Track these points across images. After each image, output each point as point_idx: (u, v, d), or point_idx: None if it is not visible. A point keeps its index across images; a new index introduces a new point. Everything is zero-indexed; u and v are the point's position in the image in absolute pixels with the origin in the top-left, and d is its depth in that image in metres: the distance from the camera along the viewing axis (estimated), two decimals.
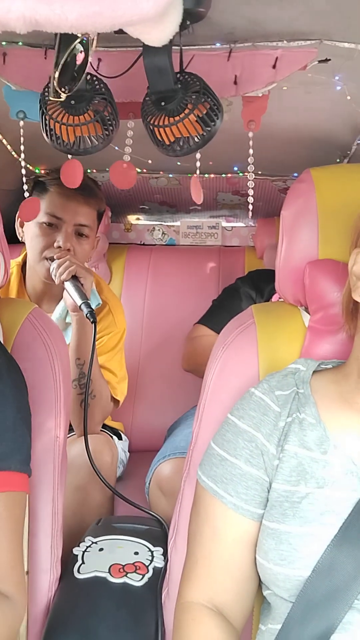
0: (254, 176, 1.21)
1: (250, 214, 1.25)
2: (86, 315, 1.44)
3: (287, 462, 0.81)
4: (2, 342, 1.02)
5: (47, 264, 1.59)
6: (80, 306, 1.45)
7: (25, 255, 1.72)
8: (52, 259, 1.57)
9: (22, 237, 1.69)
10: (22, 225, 1.68)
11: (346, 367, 0.87)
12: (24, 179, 1.33)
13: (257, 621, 0.91)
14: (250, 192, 1.21)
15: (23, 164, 1.27)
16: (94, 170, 1.99)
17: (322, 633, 0.75)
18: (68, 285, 1.49)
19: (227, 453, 0.85)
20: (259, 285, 1.93)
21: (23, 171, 1.30)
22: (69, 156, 1.15)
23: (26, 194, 1.36)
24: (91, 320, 1.44)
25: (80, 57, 0.97)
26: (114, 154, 1.24)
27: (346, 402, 0.84)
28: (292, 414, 0.84)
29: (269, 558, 0.80)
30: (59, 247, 1.58)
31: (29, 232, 1.64)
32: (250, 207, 1.25)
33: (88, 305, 1.45)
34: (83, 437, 1.50)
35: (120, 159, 1.16)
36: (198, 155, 1.12)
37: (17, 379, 0.96)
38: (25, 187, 1.39)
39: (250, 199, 1.21)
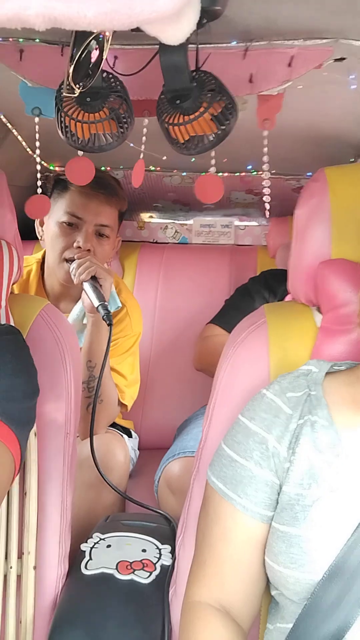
0: (269, 175, 1.21)
1: (267, 213, 1.25)
2: (103, 317, 1.42)
3: (298, 465, 0.81)
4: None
5: (66, 266, 1.57)
6: (97, 308, 1.43)
7: (45, 253, 1.71)
8: (71, 261, 1.55)
9: (41, 237, 1.67)
10: (42, 224, 1.67)
11: (359, 369, 0.87)
12: (38, 175, 1.33)
13: (264, 620, 0.91)
14: (267, 190, 1.20)
15: (38, 160, 1.28)
16: (109, 168, 1.99)
17: (334, 633, 0.74)
18: (86, 286, 1.48)
19: (237, 454, 0.85)
20: (272, 285, 1.93)
21: (38, 167, 1.30)
22: (80, 152, 1.15)
23: (39, 190, 1.35)
24: (107, 322, 1.41)
25: (95, 54, 0.97)
26: (128, 151, 1.24)
27: (358, 405, 0.83)
28: (303, 416, 0.83)
29: (279, 561, 0.79)
30: (79, 247, 1.57)
31: (49, 231, 1.63)
32: (267, 206, 1.25)
33: (105, 307, 1.43)
34: (97, 435, 1.50)
35: (134, 157, 1.16)
36: (213, 154, 1.11)
37: (22, 354, 0.95)
38: (39, 182, 1.39)
39: (267, 198, 1.21)
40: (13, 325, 1.03)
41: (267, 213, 1.24)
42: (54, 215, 1.63)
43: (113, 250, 1.71)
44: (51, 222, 1.63)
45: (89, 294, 1.47)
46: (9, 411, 0.87)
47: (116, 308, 1.63)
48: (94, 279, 1.50)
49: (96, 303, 1.44)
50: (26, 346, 0.98)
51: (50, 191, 1.67)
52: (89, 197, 1.59)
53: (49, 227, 1.64)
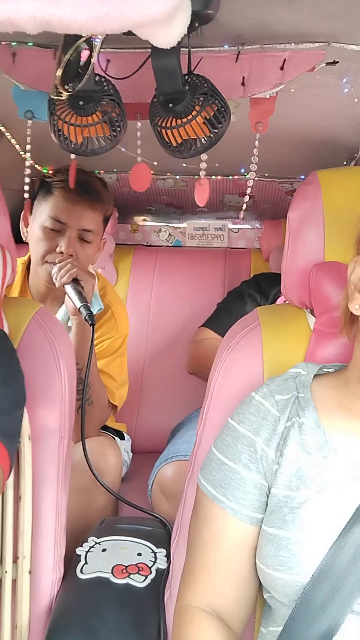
0: (254, 175, 1.21)
1: (241, 214, 1.26)
2: (85, 318, 1.42)
3: (286, 467, 0.81)
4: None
5: (48, 267, 1.57)
6: (79, 309, 1.43)
7: (30, 256, 1.70)
8: (54, 263, 1.54)
9: (25, 237, 1.67)
10: (26, 226, 1.66)
11: (347, 372, 0.87)
12: (26, 179, 1.32)
13: (258, 623, 0.91)
14: (248, 190, 1.21)
15: (28, 163, 1.27)
16: (102, 172, 1.99)
17: (322, 635, 0.75)
18: (68, 289, 1.48)
19: (226, 457, 0.85)
20: (264, 288, 1.93)
21: (27, 171, 1.29)
22: (72, 156, 1.15)
23: (26, 195, 1.34)
24: (90, 323, 1.41)
25: (84, 55, 0.97)
26: (121, 155, 1.25)
27: (346, 407, 0.83)
28: (291, 418, 0.84)
29: (268, 563, 0.79)
30: (61, 252, 1.56)
31: (33, 234, 1.62)
32: (244, 206, 1.26)
33: (87, 308, 1.43)
34: (89, 439, 1.49)
35: (127, 160, 1.17)
36: (204, 157, 1.12)
37: (9, 353, 0.95)
38: (26, 187, 1.37)
39: (247, 198, 1.21)
40: (1, 329, 1.03)
41: (242, 214, 1.25)
42: (37, 217, 1.62)
43: (98, 252, 1.69)
44: (35, 224, 1.62)
45: (71, 296, 1.47)
46: (2, 424, 0.88)
47: (99, 310, 1.62)
48: (75, 281, 1.49)
49: (78, 304, 1.44)
50: (13, 350, 0.98)
51: (35, 193, 1.66)
52: (73, 202, 1.57)
53: (33, 230, 1.63)
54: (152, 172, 1.96)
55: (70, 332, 1.56)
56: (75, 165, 1.25)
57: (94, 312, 1.48)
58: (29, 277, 1.70)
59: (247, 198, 1.20)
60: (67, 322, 1.62)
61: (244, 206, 1.24)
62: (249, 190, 1.21)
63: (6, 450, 0.88)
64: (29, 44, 1.11)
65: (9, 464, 0.90)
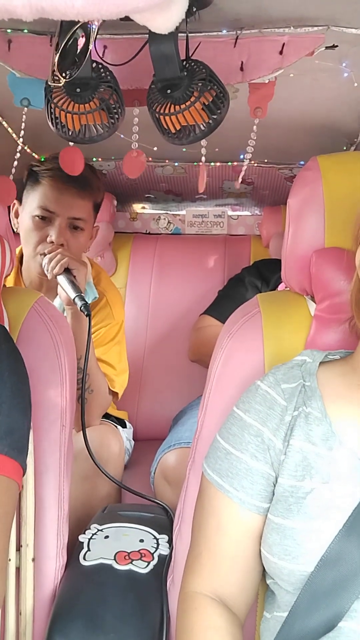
0: (248, 161, 1.21)
1: (238, 183, 1.24)
2: (80, 308, 1.40)
3: (292, 457, 0.81)
4: (8, 330, 1.02)
5: (40, 259, 1.55)
6: (74, 300, 1.41)
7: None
8: (44, 254, 1.52)
9: (16, 228, 1.64)
10: (17, 216, 1.64)
11: (353, 359, 0.87)
12: (13, 170, 1.29)
13: (261, 609, 0.91)
14: (240, 177, 1.20)
15: (19, 148, 1.26)
16: (100, 159, 1.98)
17: (328, 621, 0.75)
18: (61, 279, 1.46)
19: (232, 447, 0.85)
20: (265, 274, 1.93)
21: (17, 155, 1.27)
22: (70, 144, 1.15)
23: (11, 177, 1.30)
24: (85, 313, 1.40)
25: (81, 42, 0.96)
26: (119, 142, 1.24)
27: (352, 395, 0.83)
28: (298, 407, 0.83)
29: (273, 552, 0.80)
30: (52, 242, 1.54)
31: (23, 224, 1.61)
32: (238, 185, 1.24)
33: (82, 298, 1.41)
34: (91, 427, 1.50)
35: (125, 147, 1.16)
36: (204, 143, 1.11)
37: (17, 366, 0.95)
38: (13, 170, 1.34)
39: (238, 185, 1.21)
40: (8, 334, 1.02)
41: (238, 183, 1.24)
42: (27, 207, 1.60)
43: (90, 240, 1.68)
44: (25, 214, 1.60)
45: (64, 287, 1.45)
46: (14, 443, 0.89)
47: (94, 298, 1.61)
48: (67, 271, 1.47)
49: (72, 295, 1.42)
50: (17, 349, 0.97)
51: (24, 181, 1.64)
52: (61, 191, 1.55)
53: (23, 220, 1.61)
54: (150, 159, 1.95)
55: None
56: (73, 152, 1.24)
57: (89, 302, 1.47)
58: (22, 269, 1.68)
59: (239, 182, 1.19)
60: (63, 313, 1.61)
61: (238, 185, 1.24)
62: (242, 174, 1.20)
63: (20, 465, 0.90)
64: (25, 30, 1.10)
65: (22, 475, 0.92)
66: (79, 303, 1.41)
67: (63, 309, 1.58)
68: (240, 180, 1.22)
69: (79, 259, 1.52)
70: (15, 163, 1.27)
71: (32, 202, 1.59)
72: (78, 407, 1.45)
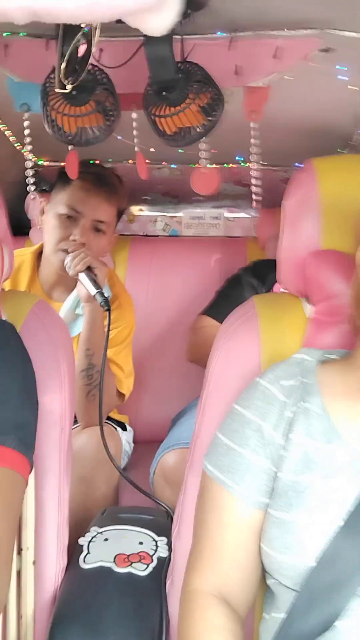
0: (256, 165, 1.21)
1: (254, 203, 1.27)
2: (100, 304, 1.47)
3: (292, 451, 0.81)
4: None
5: (61, 255, 1.60)
6: (94, 295, 1.48)
7: (42, 245, 1.74)
8: (66, 251, 1.58)
9: (40, 225, 1.71)
10: (42, 214, 1.70)
11: (352, 357, 0.87)
12: (30, 172, 1.33)
13: (260, 610, 0.91)
14: (254, 181, 1.21)
15: (28, 155, 1.27)
16: (97, 161, 1.98)
17: (326, 620, 0.75)
18: (82, 276, 1.51)
19: (233, 443, 0.85)
20: (262, 274, 1.93)
21: (29, 163, 1.30)
22: (69, 147, 1.15)
23: (31, 187, 1.34)
24: (105, 308, 1.46)
25: (82, 49, 0.97)
26: (117, 145, 1.24)
27: (352, 393, 0.84)
28: (297, 403, 0.84)
29: (273, 546, 0.80)
30: (74, 240, 1.60)
31: (48, 222, 1.66)
32: (255, 197, 1.26)
33: (102, 295, 1.48)
34: (87, 428, 1.51)
35: (122, 150, 1.16)
36: (202, 146, 1.11)
37: (26, 364, 0.95)
38: (31, 180, 1.39)
39: (254, 189, 1.22)
40: (6, 319, 1.02)
41: (255, 204, 1.25)
42: (54, 206, 1.66)
43: (109, 245, 1.74)
44: (51, 213, 1.66)
45: (84, 284, 1.51)
46: (24, 438, 0.89)
47: (108, 297, 1.65)
48: (88, 269, 1.53)
49: (93, 291, 1.48)
50: (25, 348, 0.97)
51: (54, 182, 1.71)
52: (89, 193, 1.62)
53: (48, 218, 1.67)
54: (147, 161, 1.96)
55: (79, 320, 1.61)
56: (76, 156, 1.25)
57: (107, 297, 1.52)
58: (40, 266, 1.73)
59: (254, 188, 1.21)
60: (75, 310, 1.65)
61: (254, 197, 1.26)
62: (254, 181, 1.22)
63: (28, 461, 0.90)
64: (21, 34, 1.11)
65: (29, 472, 0.92)
66: (99, 299, 1.47)
67: (76, 306, 1.63)
68: (254, 183, 1.23)
69: (100, 260, 1.58)
70: (31, 173, 1.29)
71: (60, 201, 1.65)
72: (87, 402, 1.48)
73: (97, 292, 1.48)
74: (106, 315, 1.49)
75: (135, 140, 1.15)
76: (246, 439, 0.84)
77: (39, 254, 1.75)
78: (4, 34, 1.11)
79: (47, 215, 1.68)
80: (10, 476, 0.87)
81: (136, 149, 1.15)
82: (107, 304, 1.47)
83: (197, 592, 0.85)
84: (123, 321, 1.70)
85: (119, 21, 0.57)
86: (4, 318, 1.07)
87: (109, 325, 1.46)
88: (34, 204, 1.78)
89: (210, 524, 0.86)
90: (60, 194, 1.65)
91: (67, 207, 1.62)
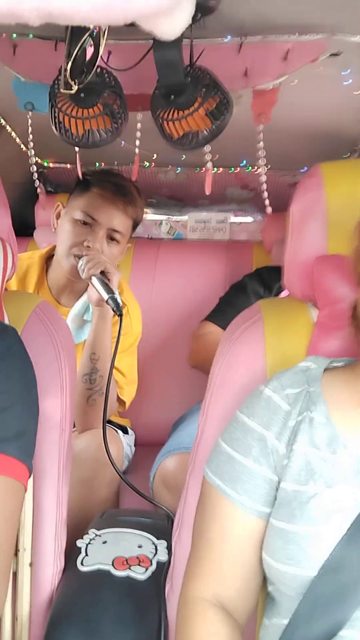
0: (265, 169, 1.22)
1: (269, 209, 1.27)
2: (113, 308, 1.46)
3: (295, 461, 0.81)
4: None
5: (73, 260, 1.61)
6: (107, 300, 1.47)
7: (53, 248, 1.74)
8: (79, 257, 1.58)
9: (54, 228, 1.71)
10: (58, 217, 1.71)
11: (357, 366, 0.87)
12: (36, 174, 1.33)
13: (261, 615, 0.91)
14: (264, 186, 1.21)
15: (31, 153, 1.28)
16: (102, 164, 1.98)
17: (330, 629, 0.75)
18: (95, 280, 1.51)
19: (235, 451, 0.85)
20: (267, 282, 1.93)
21: (34, 167, 1.30)
22: (76, 149, 1.15)
23: (38, 189, 1.35)
24: (118, 313, 1.46)
25: (90, 51, 0.97)
26: (122, 148, 1.24)
27: (356, 401, 0.83)
28: (302, 412, 0.83)
29: (276, 557, 0.79)
30: (88, 247, 1.60)
31: (63, 225, 1.67)
32: (267, 202, 1.26)
33: (115, 300, 1.47)
34: (90, 431, 1.51)
35: (128, 153, 1.16)
36: (208, 149, 1.11)
37: (28, 369, 0.95)
38: (37, 182, 1.40)
39: (266, 194, 1.22)
40: (8, 323, 1.02)
41: (269, 209, 1.26)
42: (71, 210, 1.66)
43: (121, 255, 1.73)
44: (67, 217, 1.67)
45: (97, 288, 1.50)
46: (24, 446, 0.89)
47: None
48: (102, 273, 1.53)
49: (105, 296, 1.48)
50: (26, 352, 0.97)
51: (74, 186, 1.71)
52: (108, 201, 1.63)
53: (63, 222, 1.67)
54: (152, 164, 1.97)
55: (86, 326, 1.61)
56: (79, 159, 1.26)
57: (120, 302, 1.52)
58: (49, 269, 1.73)
59: (264, 193, 1.22)
60: (83, 316, 1.66)
61: (267, 202, 1.27)
62: (264, 187, 1.22)
63: (27, 469, 0.90)
64: (30, 35, 1.11)
65: (28, 478, 0.91)
66: (111, 303, 1.47)
67: (84, 310, 1.63)
68: (265, 188, 1.23)
69: (114, 266, 1.58)
70: (35, 175, 1.29)
71: (77, 206, 1.65)
72: (87, 407, 1.48)
73: (109, 297, 1.47)
74: (118, 321, 1.49)
75: (137, 142, 1.15)
76: (248, 448, 0.83)
77: (47, 258, 1.75)
78: (13, 35, 1.11)
79: (62, 219, 1.69)
80: (11, 485, 0.87)
81: (136, 151, 1.15)
82: (119, 309, 1.46)
83: (195, 599, 0.84)
84: (129, 328, 1.70)
85: (129, 24, 0.57)
86: (6, 318, 1.07)
87: (119, 330, 1.46)
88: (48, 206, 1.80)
89: (210, 533, 0.85)
90: (78, 199, 1.66)
91: (83, 214, 1.63)
